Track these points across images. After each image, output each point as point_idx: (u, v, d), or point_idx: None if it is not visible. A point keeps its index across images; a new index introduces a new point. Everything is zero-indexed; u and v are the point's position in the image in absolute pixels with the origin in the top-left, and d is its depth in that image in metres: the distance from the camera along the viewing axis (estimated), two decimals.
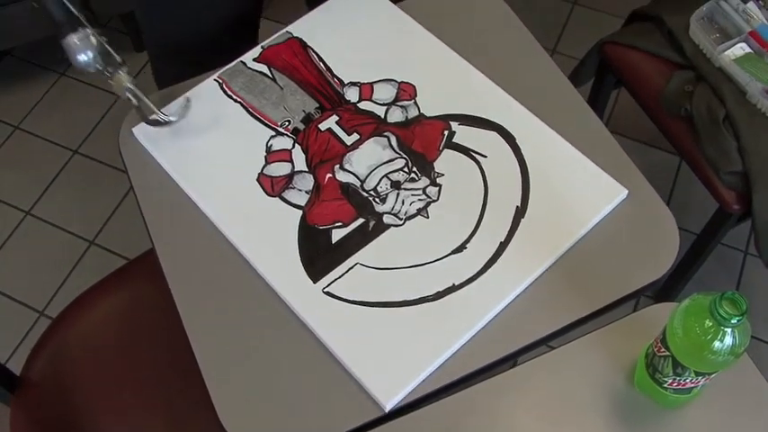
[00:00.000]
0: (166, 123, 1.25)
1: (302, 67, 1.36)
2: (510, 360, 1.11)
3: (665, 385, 0.98)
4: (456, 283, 1.14)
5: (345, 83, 1.34)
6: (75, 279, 2.17)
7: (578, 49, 2.17)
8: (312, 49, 1.38)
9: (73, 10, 1.18)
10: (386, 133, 1.28)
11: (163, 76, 1.61)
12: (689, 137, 1.60)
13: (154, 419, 1.36)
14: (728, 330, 0.86)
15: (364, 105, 1.31)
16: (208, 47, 1.55)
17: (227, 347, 1.12)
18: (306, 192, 1.23)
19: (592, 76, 1.88)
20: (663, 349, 0.95)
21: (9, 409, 1.38)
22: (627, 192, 1.20)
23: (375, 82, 1.34)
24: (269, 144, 1.28)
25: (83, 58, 1.20)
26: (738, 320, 0.84)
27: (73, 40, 1.19)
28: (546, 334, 1.11)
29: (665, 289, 1.96)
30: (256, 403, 1.07)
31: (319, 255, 1.17)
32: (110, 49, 1.21)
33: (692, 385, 0.97)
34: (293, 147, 1.27)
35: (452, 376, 1.08)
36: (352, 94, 1.33)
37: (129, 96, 1.23)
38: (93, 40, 1.20)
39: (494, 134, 1.27)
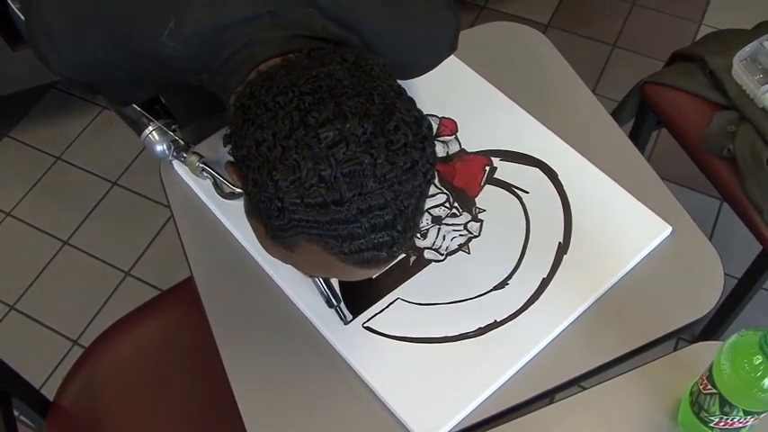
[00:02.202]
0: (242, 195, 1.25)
1: None
2: (547, 396, 1.09)
3: (712, 424, 0.96)
4: (498, 320, 1.13)
5: None
6: (109, 309, 2.18)
7: (617, 91, 2.16)
8: None
9: (140, 110, 1.25)
10: None
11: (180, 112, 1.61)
12: (731, 177, 1.58)
13: None
14: None
15: None
16: None
17: (265, 380, 1.11)
18: None
19: (632, 116, 1.87)
20: (709, 387, 0.93)
21: None
22: (671, 229, 1.19)
23: None
24: None
25: (160, 148, 1.27)
26: None
27: (149, 135, 1.26)
28: (585, 371, 1.10)
29: (704, 333, 1.93)
30: None
31: (359, 289, 1.16)
32: (176, 136, 1.27)
33: (741, 425, 0.94)
34: None
35: (489, 411, 1.07)
36: None
37: (206, 175, 1.26)
38: (164, 131, 1.26)
39: (535, 170, 1.27)
